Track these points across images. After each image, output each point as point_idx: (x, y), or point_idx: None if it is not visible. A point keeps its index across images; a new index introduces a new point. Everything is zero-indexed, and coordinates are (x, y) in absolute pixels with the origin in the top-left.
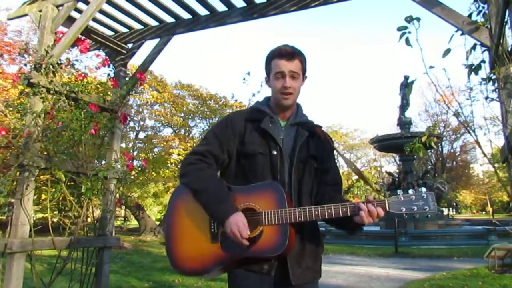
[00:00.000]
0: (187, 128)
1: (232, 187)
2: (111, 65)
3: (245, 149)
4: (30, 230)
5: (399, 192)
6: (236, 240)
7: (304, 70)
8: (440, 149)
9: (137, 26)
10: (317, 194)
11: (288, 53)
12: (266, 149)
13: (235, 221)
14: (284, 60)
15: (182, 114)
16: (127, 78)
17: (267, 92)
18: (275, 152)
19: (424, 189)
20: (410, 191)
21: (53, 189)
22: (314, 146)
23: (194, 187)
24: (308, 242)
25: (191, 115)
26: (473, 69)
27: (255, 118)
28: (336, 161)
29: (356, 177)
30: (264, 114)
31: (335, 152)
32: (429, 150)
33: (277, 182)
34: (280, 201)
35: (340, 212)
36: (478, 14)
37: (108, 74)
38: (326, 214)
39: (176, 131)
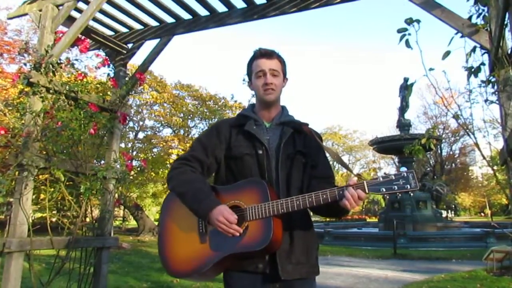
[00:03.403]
0: (187, 129)
1: (218, 188)
2: (111, 65)
3: (232, 153)
4: (29, 230)
5: (379, 174)
6: (225, 229)
7: (284, 71)
8: (439, 151)
9: (137, 26)
10: (308, 189)
11: (267, 52)
12: (252, 150)
13: (219, 211)
14: (264, 58)
15: (182, 115)
16: (127, 78)
17: None
18: (260, 152)
19: (404, 169)
20: (391, 172)
21: (52, 189)
22: (300, 142)
23: (178, 190)
24: (298, 237)
25: (191, 115)
26: (473, 71)
27: (240, 123)
28: (325, 157)
29: (354, 179)
30: (248, 118)
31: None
32: (428, 152)
33: (264, 179)
34: (263, 196)
35: (321, 199)
36: (478, 16)
37: (108, 74)
38: (308, 202)
39: (176, 132)
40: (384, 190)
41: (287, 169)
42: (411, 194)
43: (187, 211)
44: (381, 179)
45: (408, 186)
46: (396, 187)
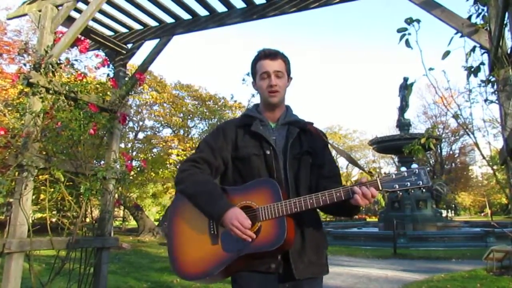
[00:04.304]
0: (186, 129)
1: (227, 189)
2: (111, 65)
3: (239, 153)
4: (29, 230)
5: (391, 170)
6: (239, 234)
7: (288, 71)
8: (439, 151)
9: (137, 26)
10: (316, 188)
11: (271, 53)
12: (260, 150)
13: (233, 215)
14: (268, 60)
15: (181, 115)
16: (126, 78)
17: None
18: (268, 152)
19: (415, 165)
20: (402, 169)
21: (52, 189)
22: (307, 142)
23: (189, 192)
24: (309, 237)
25: (190, 115)
26: (473, 71)
27: (246, 123)
28: (331, 155)
29: (354, 178)
30: (254, 118)
31: (328, 145)
32: (428, 152)
33: (273, 179)
34: (275, 195)
35: (335, 197)
36: (477, 16)
37: (108, 74)
38: (321, 201)
39: (175, 132)
40: (397, 186)
41: (295, 169)
42: (423, 191)
43: (196, 212)
44: (393, 175)
45: (421, 182)
46: (408, 183)
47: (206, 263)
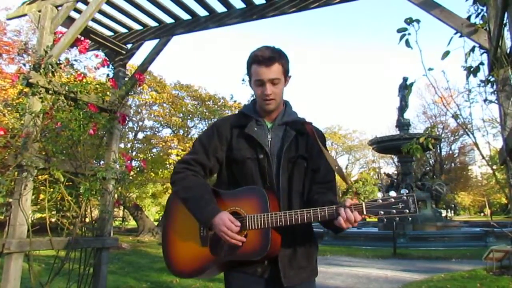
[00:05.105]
0: (186, 129)
1: (220, 192)
2: (110, 66)
3: (234, 155)
4: (28, 230)
5: (379, 195)
6: (228, 240)
7: (286, 72)
8: (438, 150)
9: (136, 26)
10: (308, 193)
11: (266, 59)
12: (254, 154)
13: (221, 220)
14: (263, 67)
15: (181, 115)
16: (126, 79)
17: None
18: (261, 156)
19: (405, 191)
20: (392, 193)
21: (52, 189)
22: (303, 146)
23: (180, 195)
24: (300, 243)
25: (190, 115)
26: (472, 71)
27: (241, 123)
28: (327, 160)
29: (354, 178)
30: (250, 118)
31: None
32: (428, 152)
33: (264, 186)
34: (263, 206)
35: (319, 216)
36: (477, 16)
37: (107, 75)
38: (306, 218)
39: (175, 132)
40: (382, 213)
41: (288, 173)
42: (410, 219)
43: (189, 214)
44: (380, 201)
45: (407, 211)
46: (394, 211)
47: (196, 263)
